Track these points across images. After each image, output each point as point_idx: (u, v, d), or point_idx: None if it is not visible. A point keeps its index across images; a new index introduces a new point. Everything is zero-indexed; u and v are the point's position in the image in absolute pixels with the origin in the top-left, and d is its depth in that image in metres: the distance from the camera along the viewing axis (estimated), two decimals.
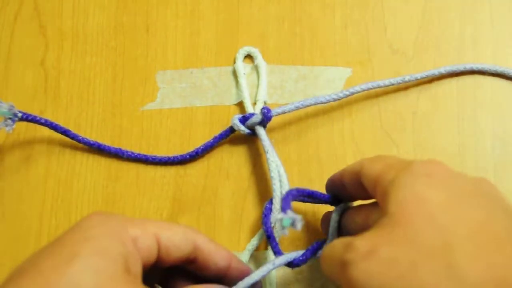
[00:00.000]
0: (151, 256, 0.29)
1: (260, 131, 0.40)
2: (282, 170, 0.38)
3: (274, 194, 0.37)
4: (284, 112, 0.40)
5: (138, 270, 0.27)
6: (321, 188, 0.40)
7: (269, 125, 0.43)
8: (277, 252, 0.35)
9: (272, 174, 0.38)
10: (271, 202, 0.38)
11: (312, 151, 0.42)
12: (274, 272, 0.38)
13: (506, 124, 0.42)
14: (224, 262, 0.31)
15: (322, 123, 0.43)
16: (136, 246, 0.28)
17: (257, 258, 0.40)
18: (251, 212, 0.41)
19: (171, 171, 0.42)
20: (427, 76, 0.42)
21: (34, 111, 0.44)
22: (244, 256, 0.39)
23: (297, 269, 0.39)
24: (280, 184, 0.38)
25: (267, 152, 0.38)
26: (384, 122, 0.43)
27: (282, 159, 0.42)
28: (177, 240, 0.29)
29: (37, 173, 0.43)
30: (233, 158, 0.43)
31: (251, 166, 0.42)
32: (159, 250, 0.29)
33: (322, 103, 0.40)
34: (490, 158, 0.41)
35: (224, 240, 0.40)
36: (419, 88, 0.43)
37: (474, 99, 0.43)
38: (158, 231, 0.29)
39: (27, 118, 0.41)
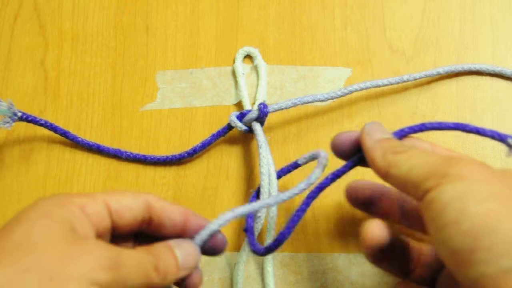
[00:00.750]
0: (103, 220, 0.29)
1: (256, 126, 0.40)
2: (272, 168, 0.38)
3: (262, 190, 0.37)
4: (281, 108, 0.40)
5: (87, 232, 0.28)
6: None
7: (269, 125, 0.43)
8: (253, 246, 0.35)
9: (262, 170, 0.38)
10: (256, 195, 0.38)
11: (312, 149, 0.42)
12: (271, 272, 0.38)
13: (506, 124, 0.42)
14: (180, 216, 0.31)
15: (322, 123, 0.43)
16: (84, 212, 0.28)
17: (254, 258, 0.40)
18: None
19: (171, 171, 0.42)
20: (426, 76, 0.42)
21: (34, 111, 0.44)
22: (241, 256, 0.39)
23: (297, 269, 0.39)
24: (269, 181, 0.38)
25: (260, 147, 0.38)
26: (384, 122, 0.43)
27: (282, 159, 0.42)
28: (127, 201, 0.30)
29: (37, 173, 0.43)
30: (233, 158, 0.43)
31: (251, 167, 0.42)
32: (110, 214, 0.29)
33: (320, 100, 0.40)
34: (490, 158, 0.41)
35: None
36: (418, 88, 0.43)
37: (474, 99, 0.43)
38: (107, 197, 0.30)
39: (27, 118, 0.41)
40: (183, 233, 0.31)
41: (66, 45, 0.46)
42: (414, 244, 0.33)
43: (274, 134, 0.43)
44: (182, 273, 0.30)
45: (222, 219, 0.31)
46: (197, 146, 0.42)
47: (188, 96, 0.44)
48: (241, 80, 0.44)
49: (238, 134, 0.43)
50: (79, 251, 0.25)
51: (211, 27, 0.46)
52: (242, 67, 0.44)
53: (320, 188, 0.33)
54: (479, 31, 0.45)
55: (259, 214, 0.37)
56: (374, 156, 0.30)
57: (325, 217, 0.40)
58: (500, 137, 0.30)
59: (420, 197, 0.27)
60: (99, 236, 0.29)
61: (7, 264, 0.24)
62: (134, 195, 0.30)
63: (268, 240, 0.37)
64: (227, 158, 0.43)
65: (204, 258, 0.40)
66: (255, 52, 0.44)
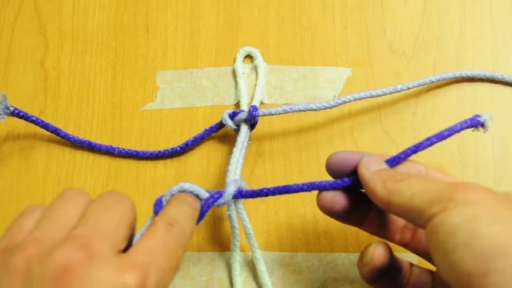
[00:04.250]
0: None
1: (243, 127, 0.40)
2: (239, 170, 0.38)
3: (226, 188, 0.35)
4: (271, 114, 0.40)
5: None
6: None
7: (269, 126, 0.43)
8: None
9: (230, 168, 0.38)
10: (219, 193, 0.36)
11: (312, 151, 0.42)
12: (265, 271, 0.38)
13: (506, 125, 0.42)
14: None
15: (322, 123, 0.43)
16: None
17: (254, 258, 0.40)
18: (251, 213, 0.41)
19: (171, 171, 0.42)
20: (419, 85, 0.42)
21: (34, 111, 0.44)
22: (234, 257, 0.39)
23: (297, 269, 0.39)
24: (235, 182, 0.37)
25: (235, 146, 0.39)
26: (384, 122, 0.43)
27: (282, 159, 0.42)
28: None
29: (37, 173, 0.43)
30: None
31: (251, 167, 0.42)
32: None
33: (312, 109, 0.40)
34: (490, 158, 0.41)
35: (224, 241, 0.40)
36: (418, 89, 0.43)
37: (474, 99, 0.43)
38: None
39: (18, 113, 0.41)
40: None
41: (66, 45, 0.46)
42: (405, 264, 0.33)
43: (274, 133, 0.43)
44: None
45: None
46: (189, 140, 0.42)
47: (188, 96, 0.44)
48: (241, 80, 0.44)
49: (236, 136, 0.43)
50: None
51: (211, 27, 0.46)
52: (242, 67, 0.44)
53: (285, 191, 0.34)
54: (479, 32, 0.45)
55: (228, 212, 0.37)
56: (374, 187, 0.30)
57: (325, 217, 0.40)
58: (471, 122, 0.33)
59: (424, 223, 0.27)
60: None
61: None
62: None
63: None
64: (227, 159, 0.43)
65: (204, 258, 0.40)
66: (255, 52, 0.44)
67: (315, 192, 0.41)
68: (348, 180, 0.33)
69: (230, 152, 0.43)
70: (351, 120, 0.43)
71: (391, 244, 0.33)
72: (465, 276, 0.24)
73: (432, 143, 0.32)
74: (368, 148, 0.42)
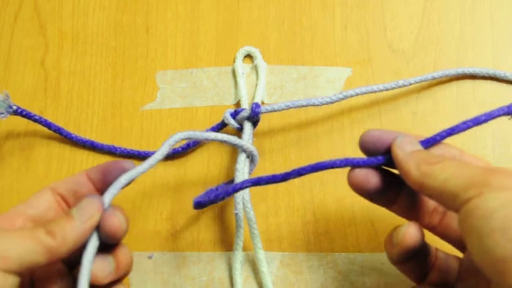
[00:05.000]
0: None
1: (247, 125, 0.40)
2: (247, 168, 0.38)
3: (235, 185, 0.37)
4: (273, 110, 0.40)
5: None
6: (320, 189, 0.39)
7: (269, 124, 0.43)
8: (196, 199, 0.36)
9: (237, 166, 0.38)
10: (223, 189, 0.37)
11: (312, 151, 0.42)
12: (266, 272, 0.38)
13: (506, 125, 0.42)
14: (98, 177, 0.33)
15: (322, 123, 0.43)
16: None
17: (254, 259, 0.40)
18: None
19: (171, 171, 0.42)
20: (421, 81, 0.42)
21: (34, 111, 0.44)
22: (236, 256, 0.39)
23: (297, 269, 0.39)
24: (243, 178, 0.38)
25: (242, 146, 0.38)
26: (384, 122, 0.43)
27: (282, 159, 0.42)
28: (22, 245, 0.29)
29: (37, 172, 0.43)
30: (233, 158, 0.42)
31: None
32: None
33: (314, 105, 0.40)
34: (490, 158, 0.41)
35: (225, 241, 0.40)
36: (419, 88, 0.43)
37: (474, 99, 0.43)
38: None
39: (21, 112, 0.41)
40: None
41: (66, 45, 0.46)
42: (432, 248, 0.33)
43: (274, 133, 0.43)
44: (85, 225, 0.29)
45: (125, 177, 0.32)
46: (190, 141, 0.42)
47: (188, 96, 0.44)
48: (241, 80, 0.44)
49: (239, 135, 0.43)
50: None
51: (211, 27, 0.46)
52: (242, 67, 0.44)
53: (322, 167, 0.33)
54: (479, 31, 0.45)
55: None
56: (408, 168, 0.30)
57: (325, 217, 0.40)
58: (508, 109, 0.32)
59: (457, 207, 0.27)
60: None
61: None
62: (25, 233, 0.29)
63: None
64: (227, 159, 0.43)
65: (204, 258, 0.40)
66: (255, 51, 0.44)
67: (315, 192, 0.41)
68: (382, 158, 0.32)
69: (230, 152, 0.43)
70: (351, 120, 0.43)
71: None
72: (500, 261, 0.24)
73: (468, 127, 0.32)
74: None
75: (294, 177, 0.33)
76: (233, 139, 0.36)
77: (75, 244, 0.29)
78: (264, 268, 0.38)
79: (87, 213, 0.30)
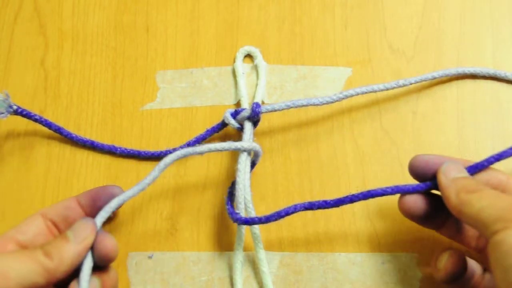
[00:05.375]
0: None
1: (247, 125, 0.40)
2: (248, 168, 0.38)
3: (237, 187, 0.38)
4: (274, 110, 0.40)
5: None
6: (320, 188, 0.39)
7: (269, 124, 0.43)
8: (232, 214, 0.37)
9: (239, 166, 0.38)
10: (230, 191, 0.39)
11: (312, 150, 0.42)
12: (267, 272, 0.38)
13: (506, 124, 0.42)
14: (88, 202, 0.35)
15: (322, 123, 0.43)
16: None
17: (253, 259, 0.40)
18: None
19: (171, 171, 0.42)
20: (421, 81, 0.42)
21: (34, 111, 0.44)
22: (236, 256, 0.39)
23: (297, 269, 0.39)
24: (244, 177, 0.38)
25: (243, 148, 0.38)
26: (384, 122, 0.43)
27: (282, 159, 0.42)
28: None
29: (37, 172, 0.43)
30: (233, 158, 0.42)
31: None
32: None
33: (314, 104, 0.40)
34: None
35: (225, 241, 0.40)
36: (419, 88, 0.43)
37: (474, 99, 0.43)
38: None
39: (21, 112, 0.41)
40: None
41: (66, 45, 0.46)
42: (478, 268, 0.34)
43: (274, 133, 0.43)
44: (80, 246, 0.30)
45: (115, 201, 0.34)
46: (191, 141, 0.42)
47: (188, 96, 0.44)
48: (241, 80, 0.44)
49: (239, 135, 0.43)
50: None
51: (211, 27, 0.46)
52: (242, 67, 0.44)
53: (371, 195, 0.35)
54: (479, 31, 0.45)
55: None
56: (448, 195, 0.31)
57: (325, 217, 0.40)
58: None
59: (488, 238, 0.28)
60: None
61: None
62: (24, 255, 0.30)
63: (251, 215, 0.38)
64: (227, 158, 0.43)
65: (204, 258, 0.40)
66: (255, 51, 0.44)
67: (315, 192, 0.41)
68: (430, 184, 0.34)
69: (230, 152, 0.43)
70: (351, 120, 0.43)
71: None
72: None
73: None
74: (368, 147, 0.42)
75: (346, 204, 0.35)
76: (232, 145, 0.37)
77: (72, 265, 0.30)
78: (265, 268, 0.38)
79: (82, 235, 0.31)
